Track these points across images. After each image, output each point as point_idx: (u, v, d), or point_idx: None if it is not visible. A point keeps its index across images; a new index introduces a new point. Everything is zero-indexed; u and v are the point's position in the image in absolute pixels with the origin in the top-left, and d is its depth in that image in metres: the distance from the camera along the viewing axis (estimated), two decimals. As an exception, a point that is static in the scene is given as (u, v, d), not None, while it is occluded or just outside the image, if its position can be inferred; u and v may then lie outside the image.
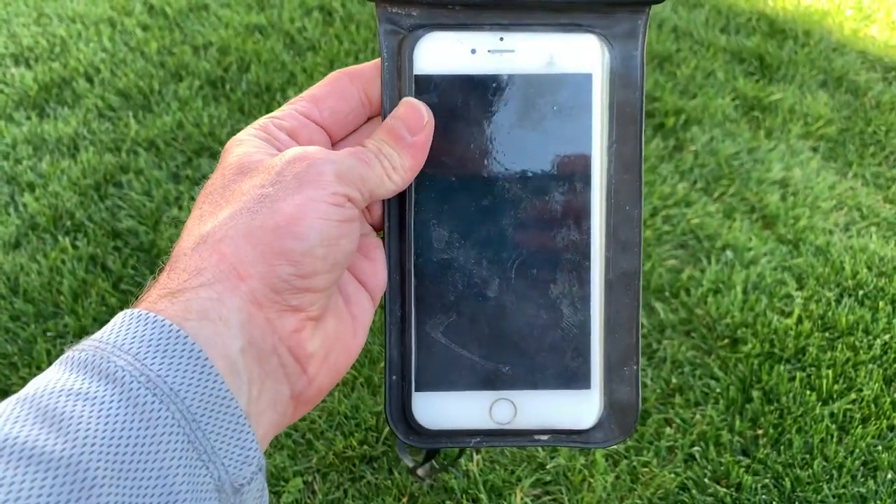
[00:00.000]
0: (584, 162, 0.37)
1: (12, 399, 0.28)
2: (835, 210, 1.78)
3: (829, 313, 1.49)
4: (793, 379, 1.36)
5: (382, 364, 1.34)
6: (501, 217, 0.38)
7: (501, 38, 0.37)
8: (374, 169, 0.35)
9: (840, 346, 1.42)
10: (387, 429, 1.25)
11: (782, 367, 1.37)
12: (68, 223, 1.62)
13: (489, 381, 0.39)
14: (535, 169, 0.37)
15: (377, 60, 0.38)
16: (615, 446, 0.36)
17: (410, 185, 0.37)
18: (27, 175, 1.74)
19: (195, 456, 0.28)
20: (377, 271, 0.39)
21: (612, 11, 0.37)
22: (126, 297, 1.46)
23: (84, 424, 0.26)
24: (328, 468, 1.21)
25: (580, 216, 0.38)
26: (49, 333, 1.39)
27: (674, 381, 1.36)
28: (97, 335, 0.30)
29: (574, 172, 0.38)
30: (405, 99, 0.37)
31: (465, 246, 0.38)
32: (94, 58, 2.13)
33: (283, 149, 0.36)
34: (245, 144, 0.36)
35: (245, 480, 0.30)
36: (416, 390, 0.38)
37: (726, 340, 1.44)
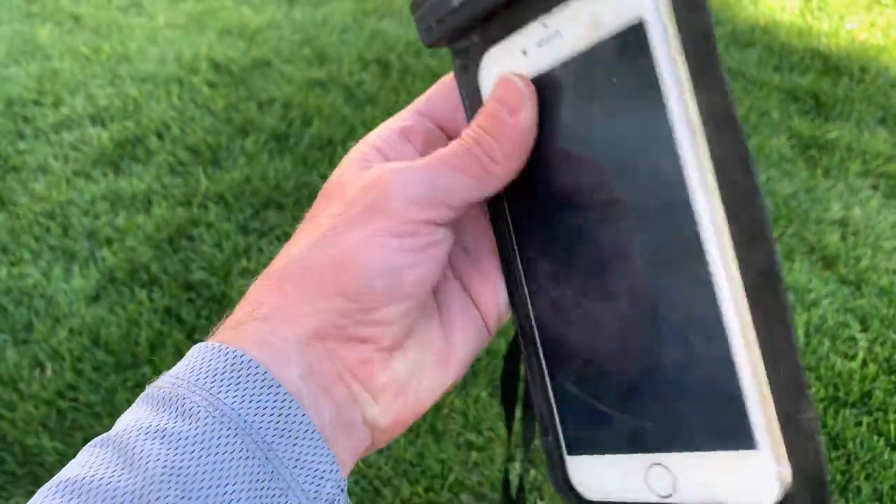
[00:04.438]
0: (665, 136, 0.28)
1: (98, 440, 0.29)
2: (898, 249, 1.76)
3: (895, 356, 1.47)
4: (859, 424, 1.35)
5: (446, 412, 1.37)
6: (603, 232, 0.31)
7: (545, 25, 0.31)
8: (469, 171, 0.31)
9: (908, 389, 1.40)
10: (451, 476, 1.28)
11: (848, 412, 1.36)
12: (144, 276, 1.71)
13: (636, 442, 0.31)
14: (621, 166, 0.30)
15: None
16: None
17: (508, 223, 0.34)
18: (105, 230, 1.84)
19: (274, 485, 0.28)
20: (492, 289, 0.35)
21: None
22: (199, 347, 1.52)
23: (161, 461, 0.27)
24: (395, 515, 1.25)
25: (684, 209, 0.28)
26: (129, 383, 1.46)
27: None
28: (174, 371, 0.31)
29: (657, 152, 0.28)
30: (501, 74, 0.32)
31: (572, 275, 0.32)
32: (165, 115, 2.25)
33: (391, 157, 0.34)
34: (345, 161, 0.35)
35: (328, 501, 0.30)
36: (568, 454, 0.33)
37: (789, 385, 1.43)
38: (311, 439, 0.29)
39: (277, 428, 0.29)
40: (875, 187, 1.97)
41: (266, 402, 0.29)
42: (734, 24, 2.70)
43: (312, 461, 0.29)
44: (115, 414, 1.40)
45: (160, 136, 2.18)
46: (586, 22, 0.30)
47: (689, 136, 0.28)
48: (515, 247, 0.34)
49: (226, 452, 0.28)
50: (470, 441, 1.33)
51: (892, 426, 1.33)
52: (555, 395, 0.33)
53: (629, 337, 0.31)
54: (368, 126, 2.13)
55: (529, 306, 0.34)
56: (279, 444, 0.29)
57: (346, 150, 1.61)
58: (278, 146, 2.10)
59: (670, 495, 0.30)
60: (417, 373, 0.33)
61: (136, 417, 0.30)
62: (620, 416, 0.31)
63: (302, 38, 2.62)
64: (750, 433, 0.27)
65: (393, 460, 1.32)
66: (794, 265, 1.69)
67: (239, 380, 0.29)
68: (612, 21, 0.29)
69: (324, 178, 1.95)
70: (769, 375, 0.27)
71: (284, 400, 0.29)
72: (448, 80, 0.36)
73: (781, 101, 2.29)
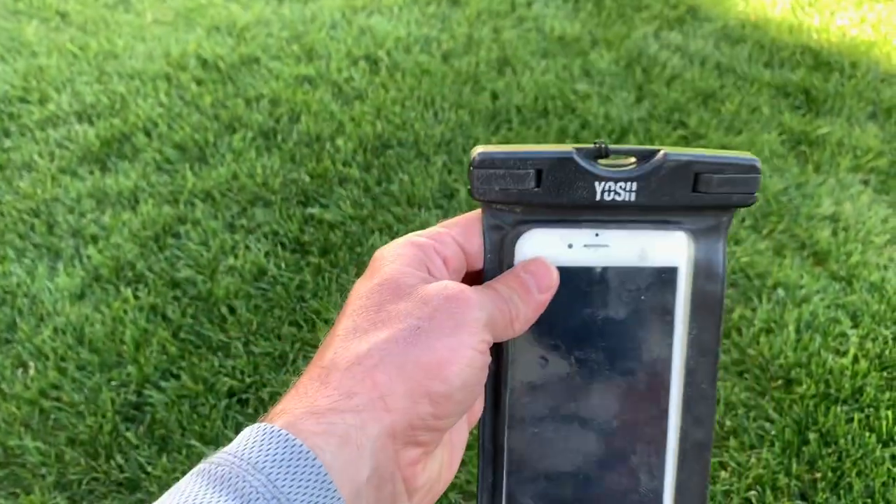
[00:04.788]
0: (667, 347, 0.41)
1: None
2: (888, 245, 1.76)
3: (887, 352, 1.46)
4: (850, 420, 1.34)
5: None
6: (591, 395, 0.40)
7: (597, 234, 0.40)
8: (503, 315, 0.37)
9: (899, 385, 1.39)
10: None
11: (839, 409, 1.35)
12: (129, 274, 1.69)
13: None
14: (622, 351, 0.40)
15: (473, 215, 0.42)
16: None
17: (508, 363, 0.40)
18: (91, 228, 1.82)
19: None
20: (479, 401, 0.41)
21: (701, 212, 0.40)
22: (185, 345, 1.51)
23: None
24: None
25: (660, 393, 0.41)
26: (113, 382, 1.44)
27: (728, 423, 1.35)
28: (233, 448, 0.32)
29: (657, 356, 0.40)
30: (538, 258, 0.39)
31: (556, 423, 0.40)
32: (152, 112, 2.23)
33: (437, 275, 0.38)
34: (401, 260, 0.37)
35: None
36: None
37: (780, 381, 1.42)
38: None
39: None
40: (866, 182, 1.97)
41: (320, 499, 0.31)
42: (725, 21, 2.69)
43: None
44: (98, 414, 1.38)
45: (147, 134, 2.16)
46: (635, 249, 0.40)
47: (682, 349, 0.40)
48: (508, 391, 0.40)
49: None
50: (458, 439, 1.31)
51: (884, 422, 1.32)
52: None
53: (592, 468, 0.41)
54: (357, 122, 2.11)
55: (505, 437, 0.40)
56: None
57: (334, 147, 1.59)
58: (266, 143, 2.09)
59: None
60: (440, 472, 0.37)
61: (191, 492, 0.30)
62: None
63: (290, 35, 2.60)
64: None
65: None
66: (784, 261, 1.69)
67: (297, 472, 0.31)
68: (655, 258, 0.40)
69: (311, 174, 1.94)
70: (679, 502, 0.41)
71: (336, 500, 0.31)
72: (477, 216, 0.41)
73: (772, 96, 2.28)
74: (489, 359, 0.36)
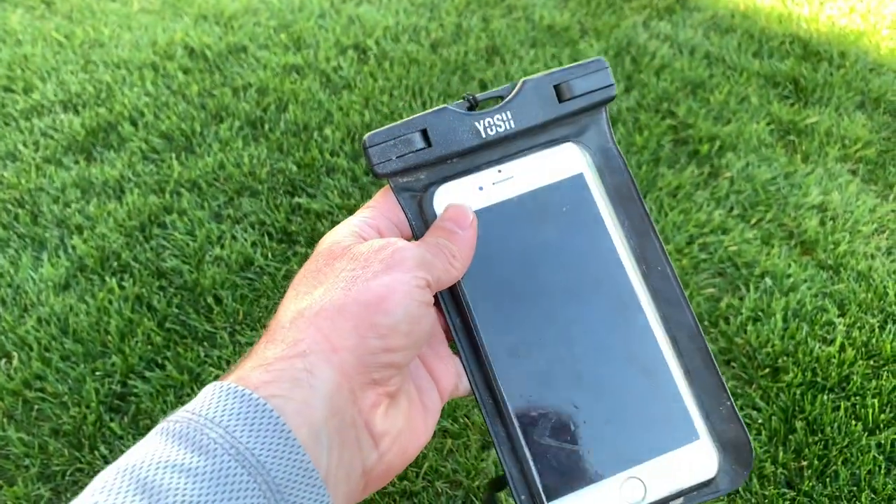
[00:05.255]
0: (609, 245, 0.42)
1: (112, 469, 0.31)
2: (876, 234, 1.76)
3: (873, 340, 1.46)
4: (837, 409, 1.34)
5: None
6: (561, 314, 0.41)
7: (499, 171, 0.43)
8: (439, 258, 0.39)
9: (885, 374, 1.39)
10: (426, 464, 1.26)
11: (826, 397, 1.35)
12: (115, 264, 1.67)
13: (609, 467, 0.40)
14: (569, 263, 0.42)
15: (384, 190, 0.44)
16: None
17: (474, 317, 0.41)
18: (76, 218, 1.80)
19: None
20: (447, 372, 0.42)
21: (577, 119, 0.44)
22: (171, 335, 1.49)
23: (180, 496, 0.29)
24: (369, 504, 1.23)
25: (624, 290, 0.41)
26: (98, 373, 1.43)
27: (714, 412, 1.35)
28: (190, 406, 0.33)
29: (602, 255, 0.42)
30: (450, 204, 0.42)
31: (538, 352, 0.41)
32: (138, 102, 2.21)
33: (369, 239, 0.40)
34: (336, 234, 0.41)
35: None
36: (547, 501, 0.39)
37: (767, 370, 1.42)
38: (314, 485, 0.32)
39: (286, 472, 0.31)
40: (854, 172, 1.97)
41: (278, 446, 0.31)
42: (715, 10, 2.68)
43: None
44: (83, 405, 1.37)
45: (133, 123, 2.14)
46: (537, 172, 0.43)
47: (621, 240, 0.42)
48: (482, 335, 0.41)
49: (239, 490, 0.30)
50: (445, 428, 1.31)
51: (870, 411, 1.32)
52: (530, 451, 0.40)
53: (593, 386, 0.40)
54: (346, 112, 2.10)
55: (499, 386, 0.40)
56: (286, 486, 0.31)
57: (322, 136, 1.59)
58: (253, 132, 2.07)
59: (643, 499, 0.39)
60: (407, 425, 0.38)
61: (152, 449, 0.31)
62: (594, 450, 0.40)
63: (278, 24, 2.58)
64: (693, 429, 0.40)
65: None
66: (772, 250, 1.69)
67: (254, 422, 0.32)
68: (559, 172, 0.43)
69: (299, 164, 1.92)
70: (696, 387, 0.41)
71: (294, 445, 0.32)
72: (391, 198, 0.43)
73: (761, 86, 2.28)
74: (430, 297, 0.38)
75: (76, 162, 2.00)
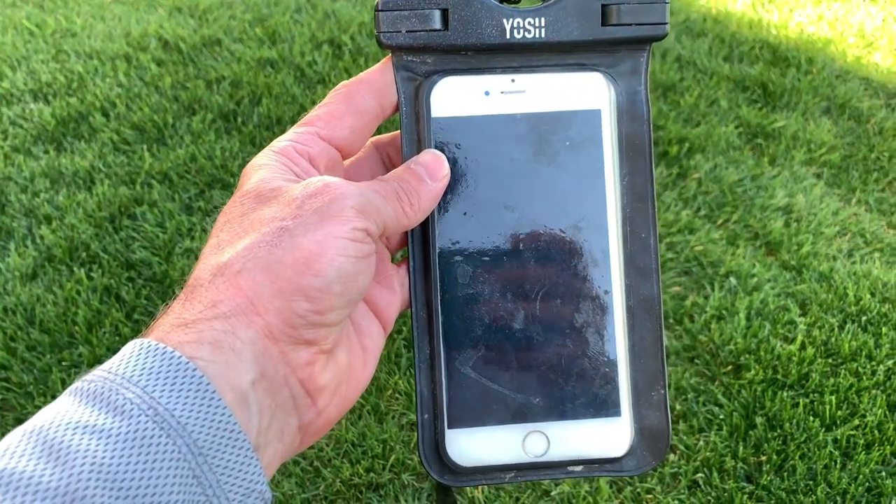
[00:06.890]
0: (599, 193, 0.39)
1: (19, 431, 0.28)
2: (838, 236, 1.80)
3: (833, 339, 1.50)
4: (796, 405, 1.37)
5: (389, 393, 1.36)
6: (523, 251, 0.38)
7: (513, 80, 0.38)
8: (392, 203, 0.35)
9: (843, 372, 1.43)
10: (392, 456, 1.27)
11: (785, 394, 1.39)
12: (83, 255, 1.66)
13: (521, 415, 0.38)
14: (552, 202, 0.39)
15: (383, 64, 0.39)
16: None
17: (434, 223, 0.38)
18: (44, 208, 1.78)
19: (199, 490, 0.28)
20: (393, 300, 0.39)
21: (616, 50, 0.39)
22: (139, 326, 1.49)
23: (90, 458, 0.26)
24: (335, 496, 1.23)
25: (598, 245, 0.39)
26: (64, 363, 1.42)
27: (678, 407, 1.38)
28: (107, 365, 0.30)
29: (590, 203, 0.39)
30: (429, 150, 0.38)
31: (490, 280, 0.38)
32: (110, 93, 2.19)
33: (303, 176, 0.36)
34: (264, 169, 0.36)
35: None
36: (448, 428, 0.38)
37: (730, 367, 1.45)
38: (241, 448, 0.30)
39: (210, 434, 0.29)
40: (818, 175, 2.01)
41: (201, 407, 0.29)
42: (687, 14, 2.72)
43: (241, 471, 0.30)
44: (48, 395, 1.36)
45: (105, 114, 2.12)
46: (553, 94, 0.38)
47: (615, 195, 0.39)
48: (437, 250, 0.38)
49: (157, 452, 0.27)
50: (412, 421, 1.32)
51: (828, 407, 1.35)
52: (447, 375, 0.38)
53: (533, 331, 0.38)
54: (319, 107, 2.10)
55: (438, 300, 0.38)
56: (210, 449, 0.29)
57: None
58: (226, 125, 2.07)
59: (542, 455, 0.38)
60: (346, 374, 0.36)
61: (62, 410, 0.28)
62: (513, 395, 0.38)
63: (254, 18, 2.58)
64: (618, 406, 0.39)
65: (335, 441, 1.31)
66: (738, 251, 1.72)
67: (175, 382, 0.29)
68: (575, 101, 0.39)
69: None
70: (635, 366, 0.39)
71: (219, 406, 0.29)
72: (343, 100, 0.39)
73: (730, 90, 2.32)
74: (372, 247, 0.34)
75: (46, 152, 1.98)
